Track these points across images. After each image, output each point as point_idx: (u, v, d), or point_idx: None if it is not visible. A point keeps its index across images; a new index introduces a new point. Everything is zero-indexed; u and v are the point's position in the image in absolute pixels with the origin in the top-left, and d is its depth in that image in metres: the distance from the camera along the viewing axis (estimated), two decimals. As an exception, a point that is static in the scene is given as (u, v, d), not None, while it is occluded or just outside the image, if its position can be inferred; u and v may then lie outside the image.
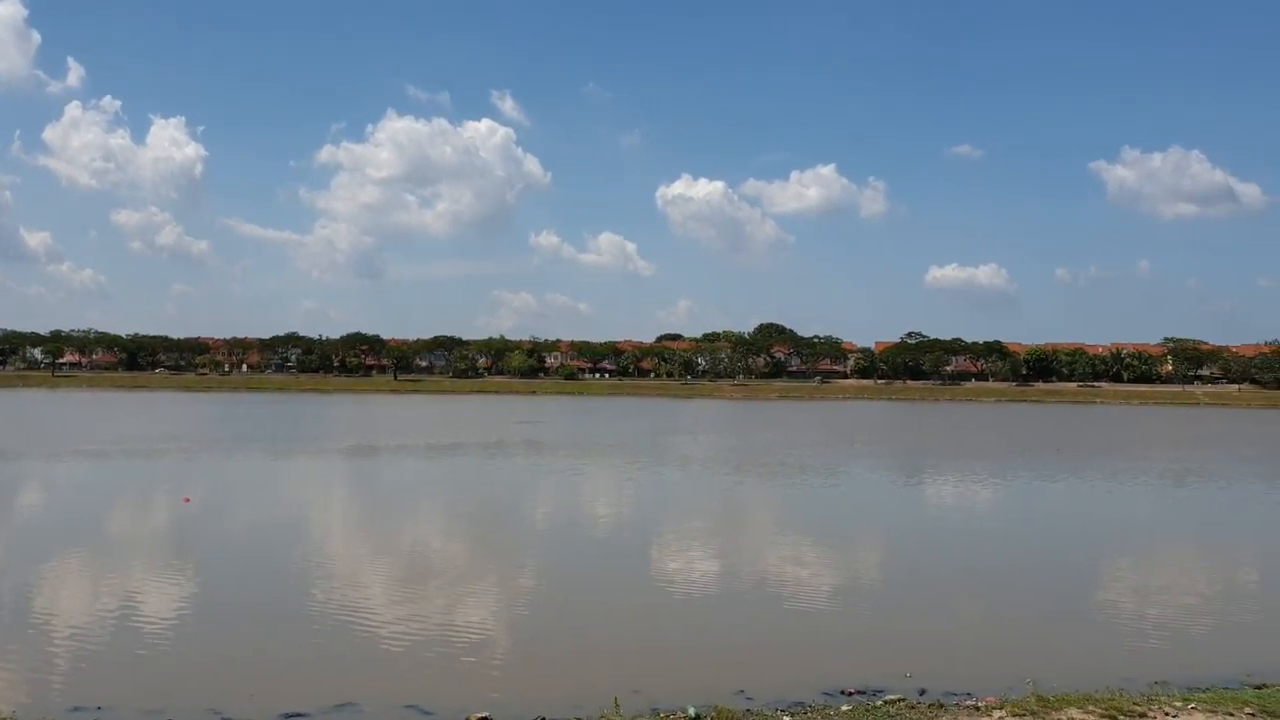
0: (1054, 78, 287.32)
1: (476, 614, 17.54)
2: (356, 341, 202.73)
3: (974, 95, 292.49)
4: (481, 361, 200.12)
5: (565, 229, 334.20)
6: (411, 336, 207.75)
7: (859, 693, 13.02)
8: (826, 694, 12.97)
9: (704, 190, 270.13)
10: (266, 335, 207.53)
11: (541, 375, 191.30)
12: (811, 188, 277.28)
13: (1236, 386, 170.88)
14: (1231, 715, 11.20)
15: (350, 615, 17.08)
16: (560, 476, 40.55)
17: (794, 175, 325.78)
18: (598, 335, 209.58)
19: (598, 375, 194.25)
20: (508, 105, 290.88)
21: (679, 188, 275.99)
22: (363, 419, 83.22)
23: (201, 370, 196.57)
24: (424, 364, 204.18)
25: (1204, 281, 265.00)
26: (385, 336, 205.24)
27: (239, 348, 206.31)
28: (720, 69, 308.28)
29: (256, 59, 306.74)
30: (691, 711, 11.92)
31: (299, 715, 12.18)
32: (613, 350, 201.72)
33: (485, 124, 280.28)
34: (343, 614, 17.15)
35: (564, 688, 13.35)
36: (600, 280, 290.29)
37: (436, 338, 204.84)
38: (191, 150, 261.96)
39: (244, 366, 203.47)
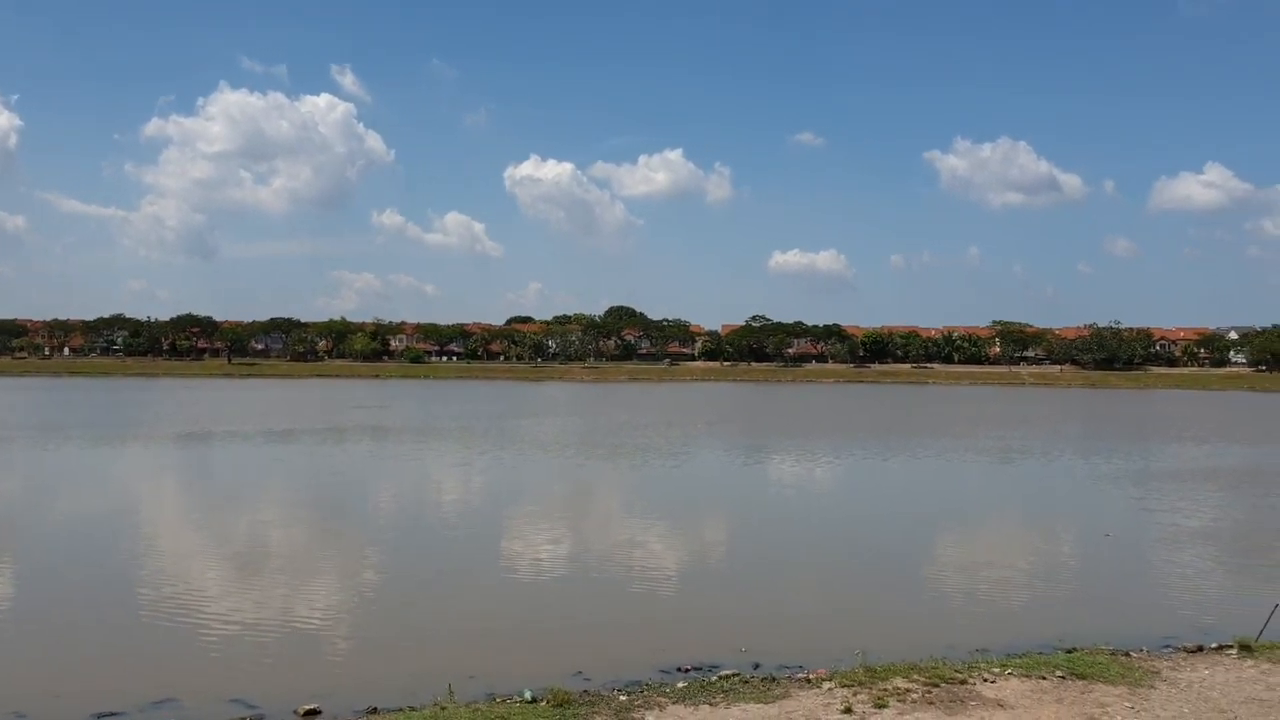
0: (891, 69, 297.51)
1: (310, 605, 17.02)
2: (187, 323, 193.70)
3: (816, 84, 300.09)
4: (322, 344, 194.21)
5: (410, 208, 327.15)
6: (247, 318, 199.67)
7: (695, 669, 13.12)
8: (663, 671, 13.03)
9: (553, 171, 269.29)
10: (90, 317, 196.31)
11: (386, 358, 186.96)
12: (659, 172, 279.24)
13: (1059, 367, 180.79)
14: (1044, 678, 11.70)
15: (175, 609, 16.36)
16: (403, 462, 39.72)
17: (642, 159, 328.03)
18: (445, 317, 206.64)
19: (445, 358, 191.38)
20: (348, 80, 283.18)
21: (527, 168, 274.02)
22: (193, 404, 79.70)
23: (19, 354, 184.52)
24: (260, 347, 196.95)
25: (1029, 267, 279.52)
26: (219, 318, 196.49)
27: (60, 330, 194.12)
28: (567, 50, 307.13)
29: (74, 24, 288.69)
30: (527, 695, 11.79)
31: (113, 715, 11.50)
32: (461, 333, 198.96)
33: (324, 99, 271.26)
34: (167, 607, 16.42)
35: (398, 677, 13.08)
36: (447, 261, 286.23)
37: (274, 319, 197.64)
38: (4, 120, 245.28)
39: (66, 350, 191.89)
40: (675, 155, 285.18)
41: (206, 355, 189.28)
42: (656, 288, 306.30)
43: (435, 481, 34.24)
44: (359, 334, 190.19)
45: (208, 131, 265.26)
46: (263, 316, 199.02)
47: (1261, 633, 14.01)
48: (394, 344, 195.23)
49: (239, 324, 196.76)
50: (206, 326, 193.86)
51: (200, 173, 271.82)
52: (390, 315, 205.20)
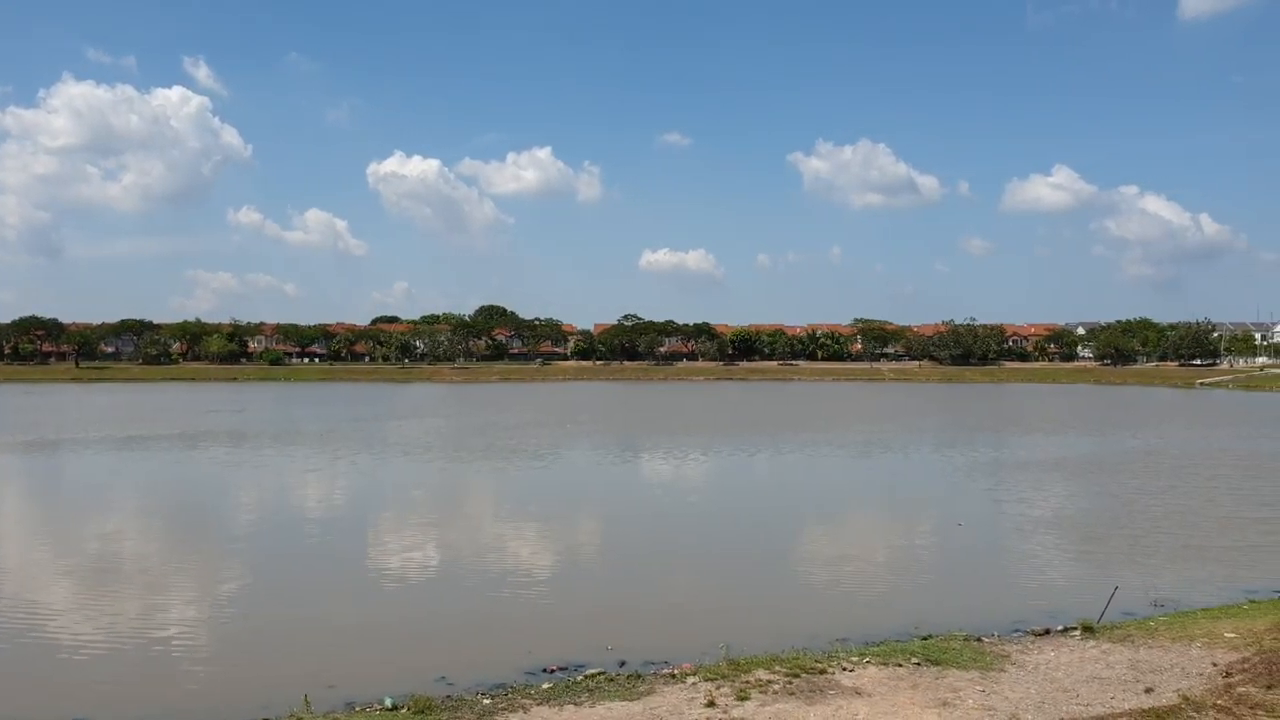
0: (756, 72, 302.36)
1: (159, 619, 16.34)
2: (30, 325, 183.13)
3: (683, 84, 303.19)
4: (176, 347, 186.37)
5: (269, 205, 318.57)
6: (96, 320, 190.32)
7: (561, 669, 13.06)
8: (529, 673, 12.93)
9: (418, 168, 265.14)
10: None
11: (244, 361, 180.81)
12: (528, 170, 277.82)
13: (917, 363, 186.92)
14: (901, 665, 12.01)
15: (15, 627, 15.52)
16: (259, 468, 38.46)
17: (510, 157, 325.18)
18: (307, 318, 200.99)
19: (307, 360, 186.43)
20: (202, 73, 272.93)
21: (392, 165, 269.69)
22: (36, 411, 75.75)
23: None
24: (110, 350, 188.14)
25: (889, 266, 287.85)
26: (65, 320, 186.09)
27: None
28: (431, 45, 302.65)
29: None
30: (388, 702, 11.56)
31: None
32: (323, 333, 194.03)
33: (177, 91, 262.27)
34: (5, 626, 15.53)
35: (253, 689, 12.67)
36: (308, 260, 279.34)
37: (124, 321, 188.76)
38: None
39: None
40: (544, 154, 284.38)
41: (52, 359, 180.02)
42: (528, 287, 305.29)
43: (293, 488, 33.27)
44: (215, 335, 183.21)
45: (50, 125, 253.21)
46: (113, 318, 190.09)
47: (1103, 615, 14.70)
48: (253, 346, 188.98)
49: (87, 326, 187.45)
50: (52, 329, 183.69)
51: (43, 168, 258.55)
52: (249, 316, 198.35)
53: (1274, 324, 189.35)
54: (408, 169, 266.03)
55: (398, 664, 13.69)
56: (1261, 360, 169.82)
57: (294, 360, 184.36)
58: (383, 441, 48.61)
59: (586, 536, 24.84)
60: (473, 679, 12.69)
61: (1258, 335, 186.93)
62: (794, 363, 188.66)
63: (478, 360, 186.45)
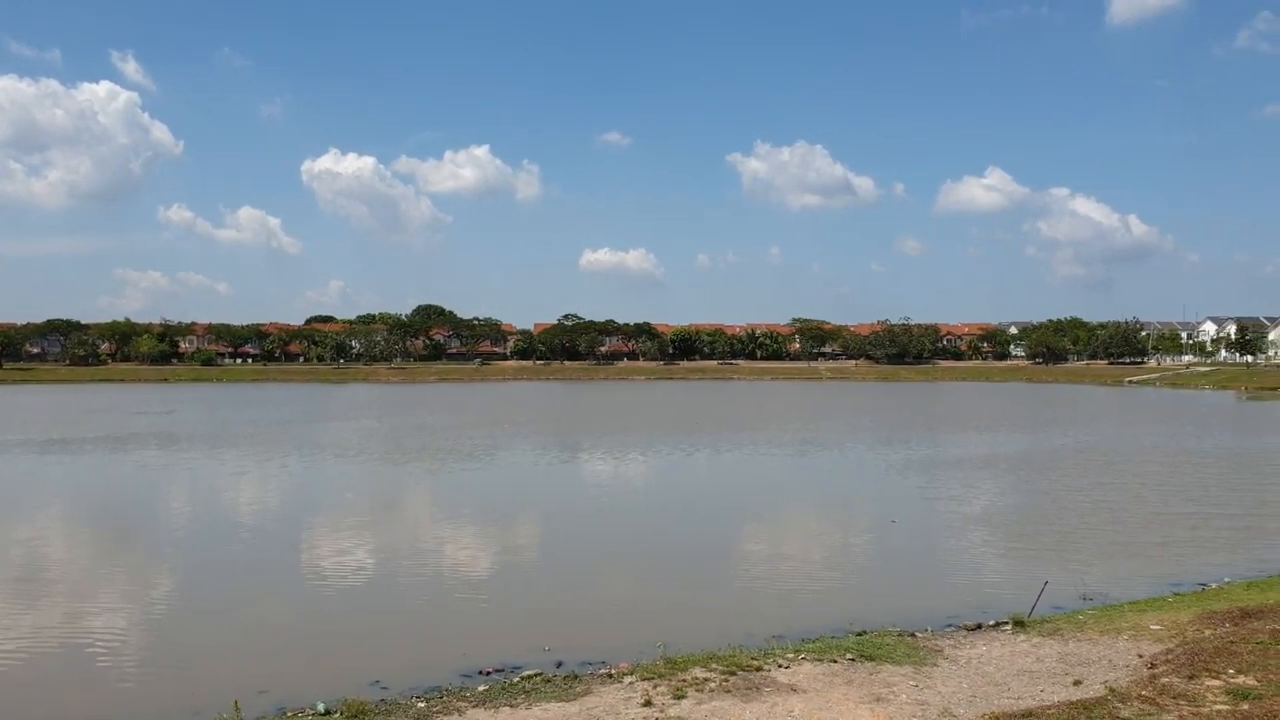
0: (695, 72, 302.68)
1: (87, 625, 15.95)
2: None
3: (622, 84, 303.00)
4: (105, 347, 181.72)
5: (200, 203, 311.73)
6: (20, 320, 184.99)
7: (497, 671, 12.97)
8: (465, 676, 12.82)
9: (354, 166, 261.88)
10: None
11: (175, 361, 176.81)
12: (466, 168, 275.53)
13: (854, 362, 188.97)
14: (835, 661, 12.10)
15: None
16: (188, 471, 37.72)
17: (448, 155, 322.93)
18: (240, 318, 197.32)
19: (240, 360, 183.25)
20: (130, 67, 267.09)
21: (326, 162, 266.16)
22: (-41, 413, 73.58)
23: None
24: (36, 351, 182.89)
25: (826, 267, 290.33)
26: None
27: None
28: (367, 41, 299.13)
29: None
30: (320, 707, 11.37)
31: None
32: (257, 333, 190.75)
33: (104, 86, 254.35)
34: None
35: (183, 696, 12.44)
36: (241, 258, 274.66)
37: (50, 321, 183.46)
38: None
39: None
40: (482, 152, 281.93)
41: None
42: (466, 286, 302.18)
43: (223, 491, 32.64)
44: (145, 336, 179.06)
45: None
46: (38, 318, 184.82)
47: (1033, 609, 14.95)
48: (184, 346, 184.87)
49: (12, 326, 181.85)
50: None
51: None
52: (180, 315, 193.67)
53: (1199, 323, 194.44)
54: (343, 166, 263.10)
55: (331, 668, 13.51)
56: (1187, 359, 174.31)
57: (227, 361, 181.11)
58: (316, 443, 47.94)
59: (524, 538, 24.72)
60: (407, 682, 12.56)
61: (1184, 334, 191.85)
62: (734, 362, 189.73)
63: (415, 360, 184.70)
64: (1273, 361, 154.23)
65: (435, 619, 16.36)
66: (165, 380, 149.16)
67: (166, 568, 20.58)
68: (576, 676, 12.14)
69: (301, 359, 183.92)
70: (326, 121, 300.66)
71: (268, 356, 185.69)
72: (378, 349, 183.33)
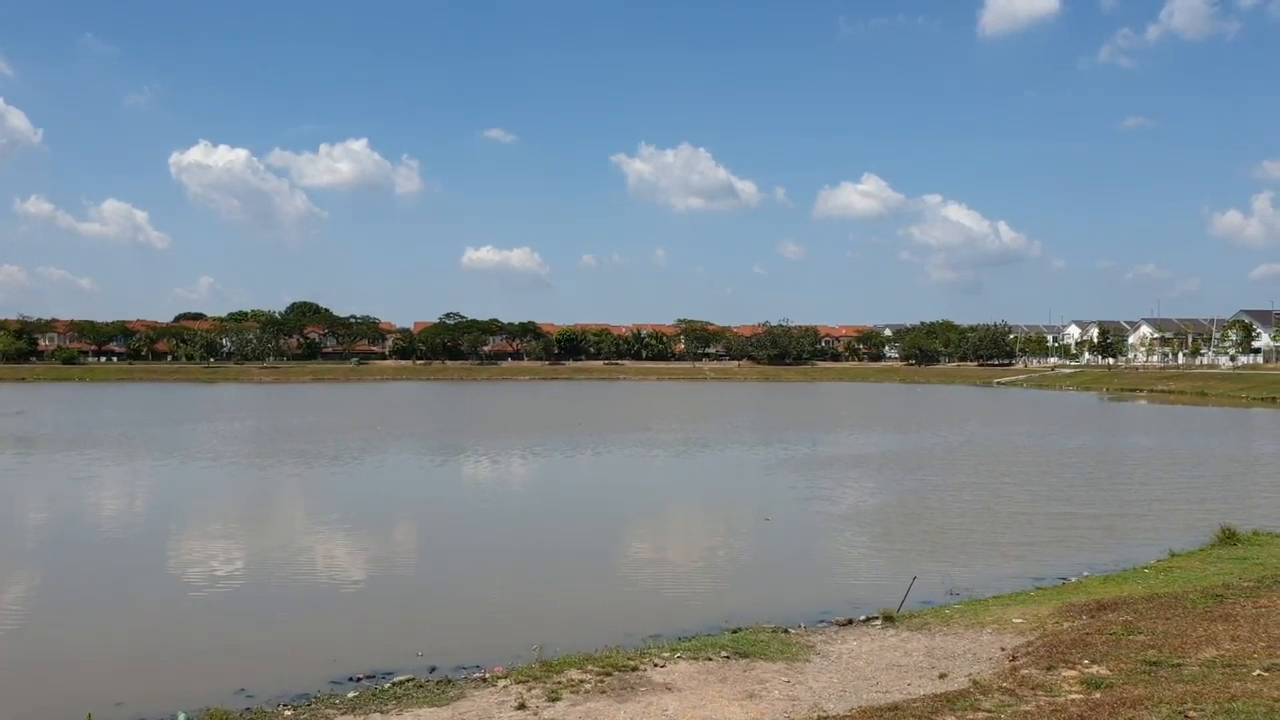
0: (579, 70, 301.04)
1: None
2: None
3: (505, 80, 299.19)
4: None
5: (60, 195, 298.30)
6: None
7: (368, 677, 12.67)
8: (334, 683, 12.49)
9: (225, 158, 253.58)
10: None
11: (34, 360, 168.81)
12: (343, 162, 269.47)
13: (737, 362, 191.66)
14: (711, 659, 12.18)
15: None
16: (43, 476, 36.00)
17: (324, 148, 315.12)
18: (104, 314, 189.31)
19: (104, 359, 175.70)
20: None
21: (196, 154, 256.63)
22: None
23: None
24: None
25: (711, 268, 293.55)
26: None
27: None
28: (238, 30, 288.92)
29: None
30: (181, 718, 10.96)
31: None
32: (122, 331, 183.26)
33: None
34: None
35: (30, 710, 11.86)
36: (105, 253, 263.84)
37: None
38: None
39: None
40: (360, 146, 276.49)
41: None
42: (343, 283, 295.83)
43: (74, 497, 31.19)
44: (1, 333, 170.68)
45: None
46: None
47: (902, 604, 15.31)
48: (44, 344, 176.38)
49: None
50: None
51: None
52: (39, 312, 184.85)
53: (1064, 327, 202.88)
54: (214, 159, 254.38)
55: (193, 678, 13.02)
56: (1052, 360, 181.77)
57: (90, 359, 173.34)
58: (179, 446, 46.24)
59: (398, 542, 24.30)
60: (274, 691, 12.18)
61: (1050, 337, 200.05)
62: (619, 362, 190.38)
63: (289, 360, 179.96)
64: (1132, 364, 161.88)
65: (304, 626, 15.94)
66: (23, 380, 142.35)
67: (14, 576, 19.58)
68: (450, 681, 11.94)
69: (170, 358, 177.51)
70: (196, 112, 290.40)
71: (134, 355, 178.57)
72: (250, 348, 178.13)
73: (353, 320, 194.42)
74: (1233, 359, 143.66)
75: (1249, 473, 36.01)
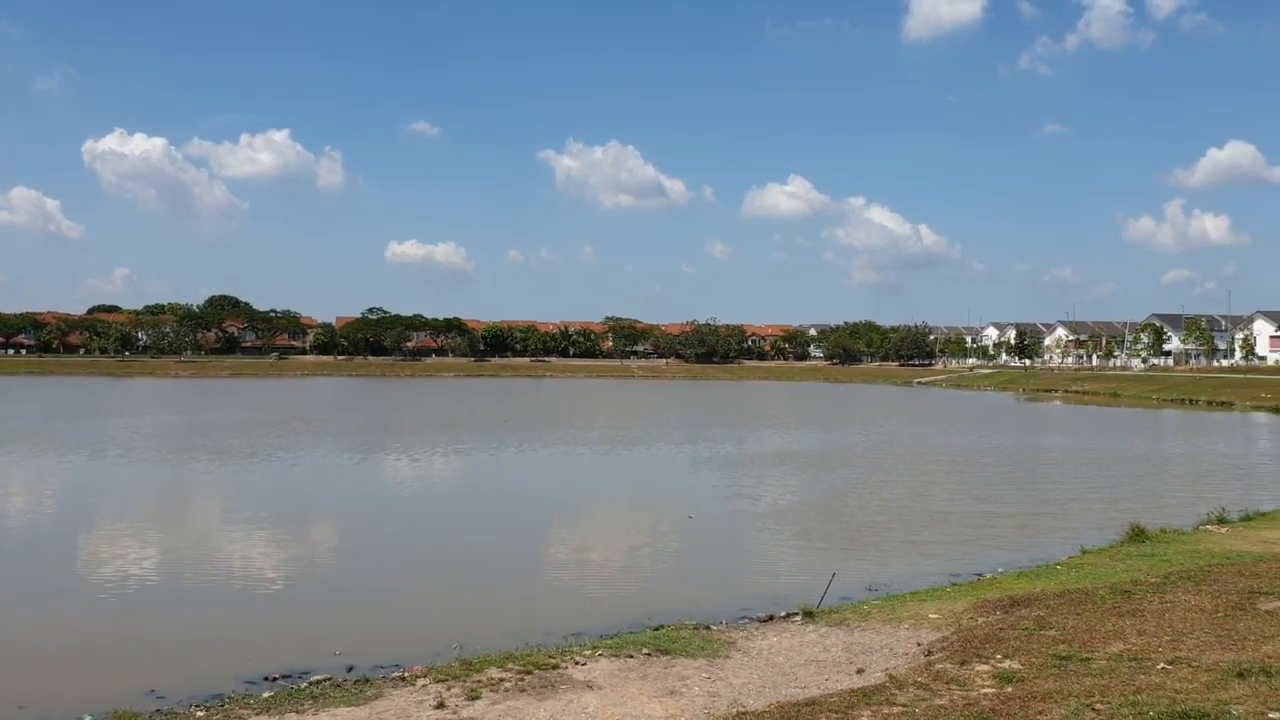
0: (506, 64, 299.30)
1: None
2: None
3: (431, 71, 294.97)
4: None
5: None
6: None
7: (284, 677, 12.45)
8: (249, 683, 12.25)
9: (141, 147, 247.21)
10: None
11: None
12: (264, 152, 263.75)
13: (665, 360, 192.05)
14: (632, 656, 12.18)
15: None
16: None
17: (244, 138, 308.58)
18: (13, 306, 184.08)
19: (12, 352, 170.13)
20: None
21: (111, 142, 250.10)
22: None
23: None
24: None
25: (638, 266, 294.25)
26: None
27: None
28: (156, 14, 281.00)
29: None
30: (87, 719, 10.65)
31: None
32: (32, 323, 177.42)
33: None
34: None
35: (-76, 715, 11.34)
36: (14, 242, 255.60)
37: None
38: None
39: None
40: (281, 136, 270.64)
41: None
42: (264, 277, 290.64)
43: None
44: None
45: None
46: None
47: (822, 600, 15.48)
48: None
49: None
50: None
51: None
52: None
53: (983, 328, 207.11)
54: (129, 147, 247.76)
55: (101, 679, 12.67)
56: (971, 361, 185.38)
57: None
58: (93, 440, 44.99)
59: (316, 540, 23.93)
60: (186, 691, 11.90)
61: (968, 338, 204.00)
62: (546, 359, 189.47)
63: (207, 354, 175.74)
64: (1048, 365, 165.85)
65: (218, 625, 15.59)
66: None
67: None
68: (368, 680, 11.76)
69: (83, 351, 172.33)
70: (111, 98, 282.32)
71: (45, 348, 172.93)
72: (166, 341, 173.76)
73: (273, 314, 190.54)
74: (1144, 361, 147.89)
75: (1159, 473, 37.11)
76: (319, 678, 11.93)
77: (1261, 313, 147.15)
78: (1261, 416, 71.77)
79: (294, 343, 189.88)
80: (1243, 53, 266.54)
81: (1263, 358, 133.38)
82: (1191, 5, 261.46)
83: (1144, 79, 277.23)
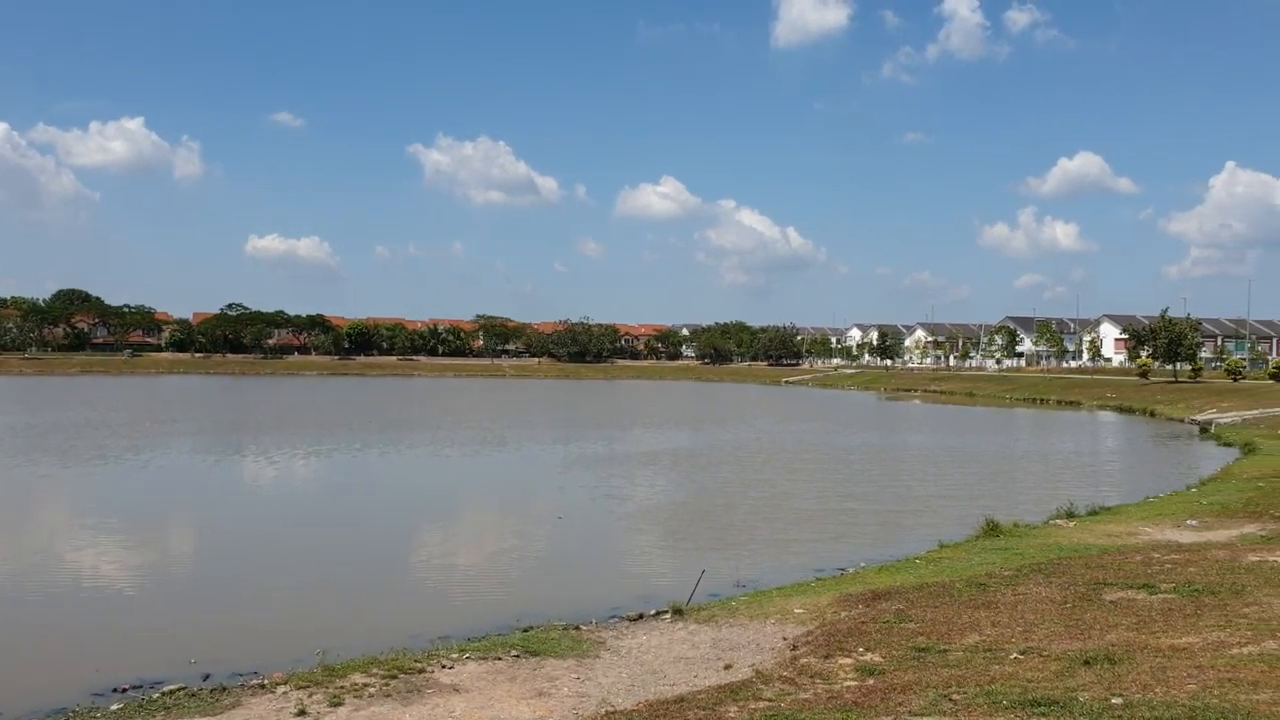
0: (373, 55, 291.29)
1: None
2: None
3: (293, 61, 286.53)
4: None
5: None
6: None
7: (134, 688, 11.91)
8: (96, 695, 11.70)
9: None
10: None
11: None
12: (116, 141, 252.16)
13: (537, 360, 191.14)
14: (500, 659, 12.05)
15: None
16: None
17: (95, 125, 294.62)
18: None
19: None
20: None
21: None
22: None
23: None
24: None
25: (510, 264, 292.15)
26: None
27: None
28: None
29: None
30: (-87, 742, 9.99)
31: None
32: None
33: None
34: None
35: None
36: None
37: None
38: None
39: None
40: (135, 124, 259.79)
41: None
42: (116, 271, 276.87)
43: None
44: None
45: None
46: None
47: (691, 597, 15.60)
48: None
49: None
50: None
51: None
52: None
53: (847, 329, 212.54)
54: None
55: (-69, 696, 11.89)
56: (836, 361, 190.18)
57: None
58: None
59: (171, 544, 23.06)
60: (29, 705, 11.33)
61: (834, 339, 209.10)
62: (414, 358, 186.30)
63: (54, 351, 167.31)
64: (908, 365, 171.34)
65: (63, 635, 14.83)
66: None
67: None
68: (224, 689, 11.34)
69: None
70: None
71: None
72: (9, 337, 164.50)
73: (126, 310, 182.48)
74: (998, 362, 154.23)
75: (1012, 470, 38.66)
76: (172, 687, 11.45)
77: (1108, 316, 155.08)
78: (1107, 415, 75.61)
79: (149, 340, 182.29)
80: (1092, 67, 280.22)
81: (1108, 359, 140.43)
82: (1045, 20, 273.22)
83: (1000, 90, 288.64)
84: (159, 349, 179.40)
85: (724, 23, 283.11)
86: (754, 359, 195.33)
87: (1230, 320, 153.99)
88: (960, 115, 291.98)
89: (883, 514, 26.88)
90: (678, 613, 14.65)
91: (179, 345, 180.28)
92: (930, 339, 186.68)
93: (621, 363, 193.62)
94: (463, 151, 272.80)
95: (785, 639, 12.70)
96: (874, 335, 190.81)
